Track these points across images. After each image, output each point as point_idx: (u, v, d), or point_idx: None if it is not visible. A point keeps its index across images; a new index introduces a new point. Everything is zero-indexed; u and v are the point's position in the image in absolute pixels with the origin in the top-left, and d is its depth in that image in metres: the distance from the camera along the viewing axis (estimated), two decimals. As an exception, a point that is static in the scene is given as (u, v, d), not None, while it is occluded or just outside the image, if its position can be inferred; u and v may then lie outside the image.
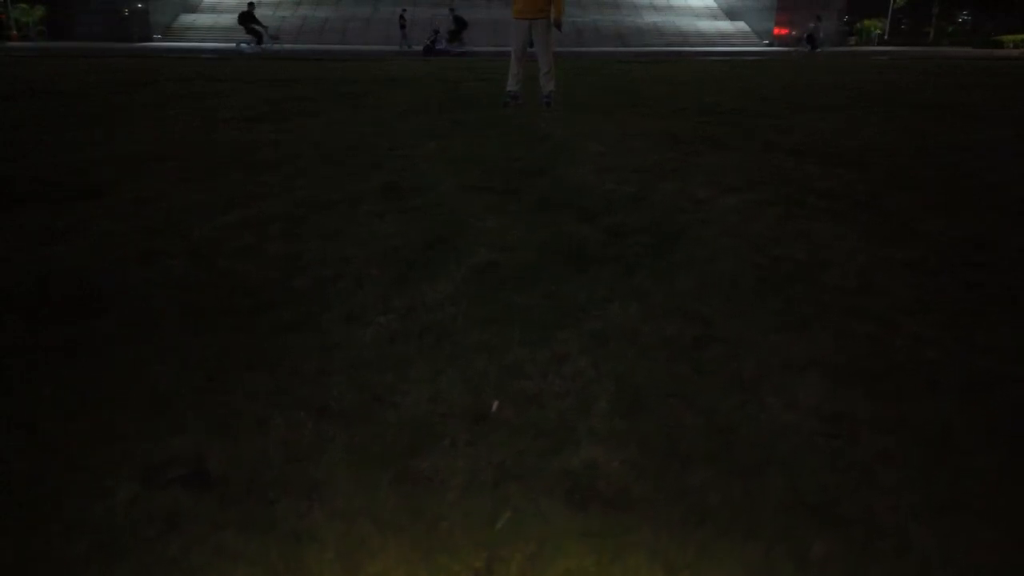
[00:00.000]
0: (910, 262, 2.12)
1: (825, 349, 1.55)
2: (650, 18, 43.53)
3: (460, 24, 28.57)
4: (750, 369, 1.46)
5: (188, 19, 39.06)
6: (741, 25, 42.17)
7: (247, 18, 25.64)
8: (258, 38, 25.13)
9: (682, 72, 13.15)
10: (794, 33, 39.21)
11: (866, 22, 40.14)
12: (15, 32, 35.08)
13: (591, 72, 12.60)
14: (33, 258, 2.18)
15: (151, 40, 36.14)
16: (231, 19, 38.46)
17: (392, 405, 1.33)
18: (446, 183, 3.28)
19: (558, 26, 6.55)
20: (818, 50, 29.07)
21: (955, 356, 1.53)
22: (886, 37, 40.05)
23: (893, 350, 1.55)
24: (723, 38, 40.69)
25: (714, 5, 46.44)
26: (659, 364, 1.50)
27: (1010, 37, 33.17)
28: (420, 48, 27.37)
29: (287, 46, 28.07)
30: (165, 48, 27.30)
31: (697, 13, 45.10)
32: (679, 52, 29.42)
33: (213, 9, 41.55)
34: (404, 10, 34.31)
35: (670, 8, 45.90)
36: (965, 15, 39.56)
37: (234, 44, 25.87)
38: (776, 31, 39.24)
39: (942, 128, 5.22)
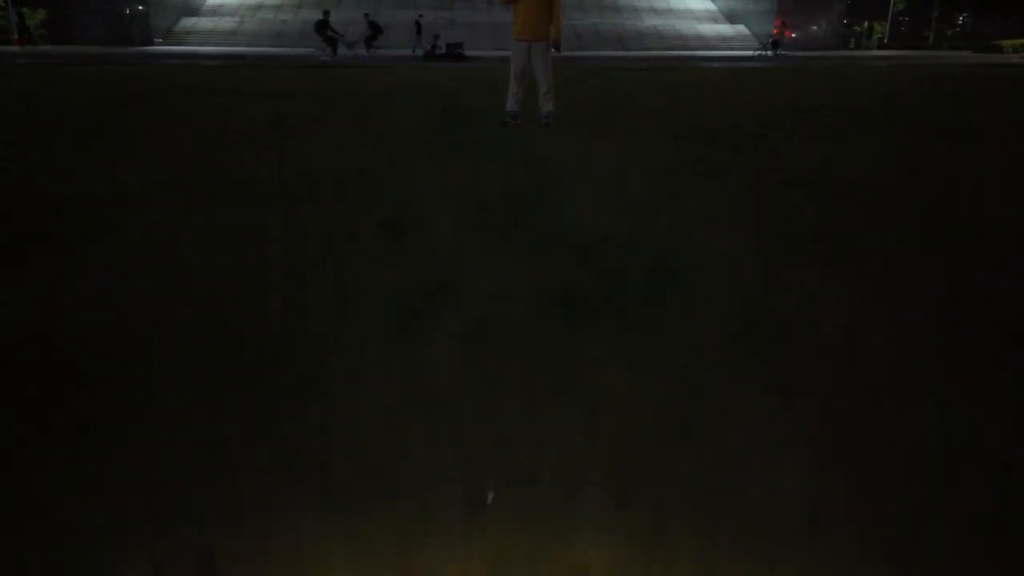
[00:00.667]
0: (895, 319, 2.17)
1: (808, 423, 1.60)
2: (650, 21, 43.58)
3: (375, 29, 28.78)
4: (737, 447, 1.51)
5: (189, 23, 39.10)
6: (741, 28, 42.21)
7: (322, 26, 25.07)
8: (333, 46, 24.58)
9: (681, 82, 13.20)
10: (794, 35, 39.30)
11: (864, 26, 40.17)
12: (16, 36, 35.12)
13: (590, 81, 12.64)
14: (38, 315, 2.23)
15: (152, 44, 36.21)
16: (231, 23, 38.55)
17: (392, 490, 1.38)
18: (445, 219, 3.33)
19: (556, 48, 6.61)
20: (780, 53, 29.83)
21: (933, 432, 1.58)
22: (886, 40, 40.09)
23: (873, 428, 1.60)
24: (723, 41, 40.73)
25: (714, 8, 46.50)
26: (649, 439, 1.55)
27: (1009, 42, 33.24)
28: (421, 53, 27.48)
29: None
30: (165, 53, 27.31)
31: (697, 16, 45.15)
32: (679, 57, 29.47)
33: (214, 13, 41.62)
34: (420, 15, 34.63)
35: (670, 11, 45.95)
36: (965, 16, 39.57)
37: (312, 51, 25.21)
38: (775, 33, 39.30)
39: (937, 155, 5.26)
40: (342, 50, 25.43)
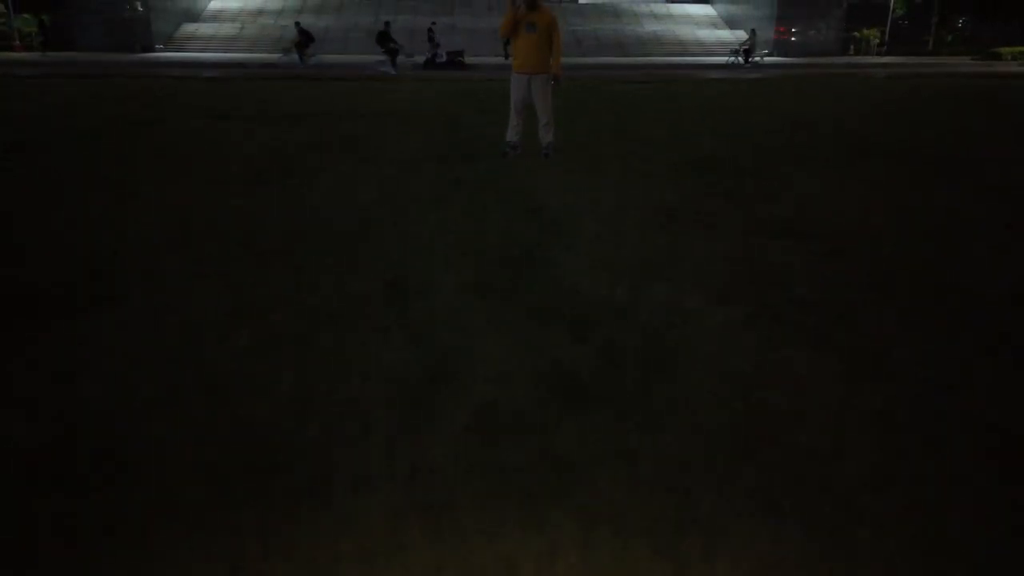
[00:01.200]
0: (879, 412, 2.26)
1: (796, 540, 1.70)
2: (650, 27, 43.67)
3: (306, 37, 28.92)
4: (723, 568, 1.61)
5: (190, 28, 39.21)
6: (741, 34, 42.23)
7: (384, 38, 25.06)
8: (393, 57, 24.35)
9: (679, 100, 13.26)
10: (796, 38, 39.30)
11: (864, 31, 40.25)
12: (18, 43, 35.23)
13: (589, 101, 12.70)
14: (48, 407, 2.32)
15: (153, 50, 36.30)
16: (232, 29, 38.67)
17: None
18: (446, 281, 3.43)
19: (557, 80, 6.70)
20: (753, 60, 29.98)
21: (914, 549, 1.68)
22: (885, 47, 40.16)
23: (854, 544, 1.70)
24: (723, 47, 40.73)
25: (714, 13, 46.60)
26: (643, 556, 1.65)
27: (1008, 49, 33.29)
28: (425, 61, 27.56)
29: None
30: (167, 61, 27.34)
31: (697, 22, 45.24)
32: (678, 65, 29.57)
33: (215, 18, 41.74)
34: (433, 23, 34.95)
35: (670, 16, 46.05)
36: (964, 20, 39.55)
37: (376, 62, 25.18)
38: (775, 37, 39.42)
39: (933, 197, 5.36)
40: (400, 59, 25.32)
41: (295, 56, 26.70)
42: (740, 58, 30.46)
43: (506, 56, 29.52)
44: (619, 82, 18.62)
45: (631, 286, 3.36)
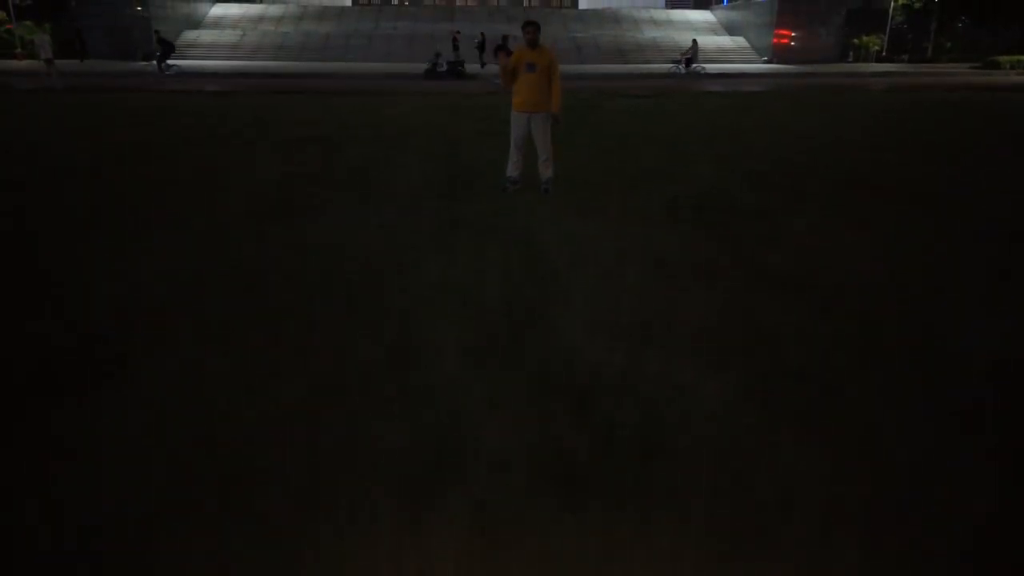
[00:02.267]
0: (865, 503, 2.36)
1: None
2: (650, 33, 43.78)
3: (166, 47, 29.47)
4: None
5: (192, 35, 39.36)
6: (740, 41, 42.42)
7: (482, 49, 26.52)
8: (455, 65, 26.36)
9: (679, 117, 13.36)
10: (793, 44, 39.46)
11: (864, 38, 40.34)
12: (21, 51, 35.34)
13: (587, 120, 12.81)
14: (55, 510, 2.41)
15: (155, 58, 36.35)
16: (233, 36, 38.82)
17: None
18: (448, 345, 3.52)
19: (557, 121, 6.80)
20: (693, 67, 30.90)
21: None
22: (884, 54, 40.27)
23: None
24: (722, 54, 40.89)
25: (714, 20, 46.73)
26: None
27: (1007, 58, 33.42)
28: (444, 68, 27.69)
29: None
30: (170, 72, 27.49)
31: (696, 28, 45.37)
32: (675, 75, 29.70)
33: (216, 24, 41.90)
34: (458, 32, 35.26)
35: (669, 23, 46.16)
36: (964, 19, 39.53)
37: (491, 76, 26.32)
38: (775, 43, 39.49)
39: (934, 242, 5.44)
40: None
41: (444, 66, 27.44)
42: (681, 67, 30.72)
43: (482, 64, 29.71)
44: (620, 95, 18.74)
45: (629, 352, 3.45)
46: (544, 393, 3.08)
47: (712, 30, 44.63)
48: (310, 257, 4.89)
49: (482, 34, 33.80)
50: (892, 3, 40.08)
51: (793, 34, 39.45)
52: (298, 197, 6.71)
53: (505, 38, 27.69)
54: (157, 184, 7.31)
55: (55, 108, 15.30)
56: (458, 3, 55.58)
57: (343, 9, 46.26)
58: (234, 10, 43.62)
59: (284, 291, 4.26)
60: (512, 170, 7.08)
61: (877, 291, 4.32)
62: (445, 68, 27.52)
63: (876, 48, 40.28)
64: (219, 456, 2.62)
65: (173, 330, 3.71)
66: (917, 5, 38.85)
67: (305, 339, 3.61)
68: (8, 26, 34.72)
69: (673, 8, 50.39)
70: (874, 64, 39.53)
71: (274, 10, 44.56)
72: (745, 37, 42.47)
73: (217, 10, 43.25)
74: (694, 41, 34.03)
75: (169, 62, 29.99)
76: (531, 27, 6.61)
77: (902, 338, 3.66)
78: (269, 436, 2.75)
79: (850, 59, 40.56)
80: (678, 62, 32.54)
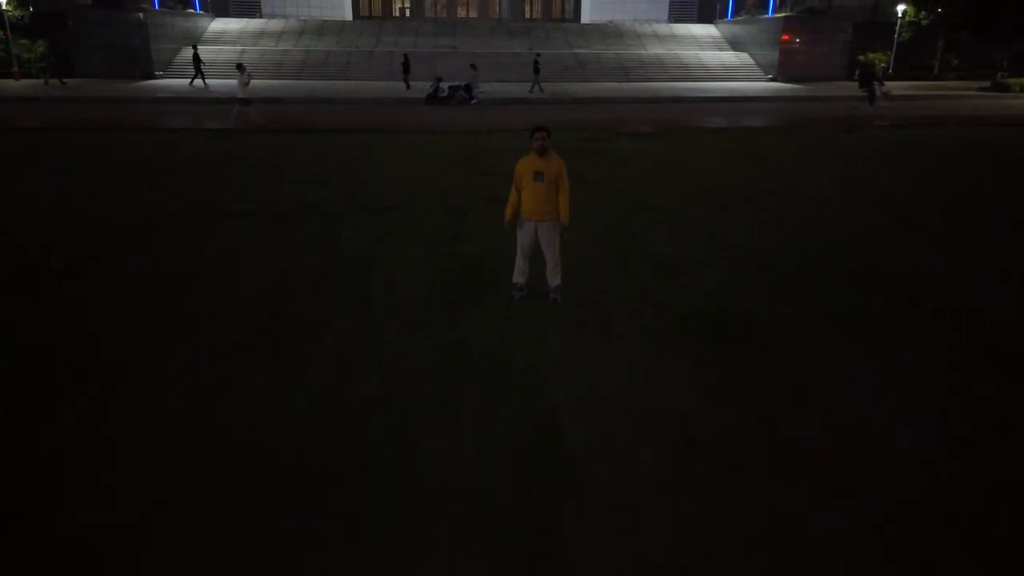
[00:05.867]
0: None
1: None
2: (653, 49, 43.45)
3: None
4: None
5: (189, 53, 38.83)
6: (745, 57, 42.06)
7: (866, 78, 26.40)
8: (871, 94, 25.73)
9: (685, 173, 12.94)
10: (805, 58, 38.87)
11: (870, 55, 39.92)
12: (17, 69, 35.02)
13: (595, 170, 12.38)
14: None
15: (153, 76, 36.10)
16: (232, 53, 38.40)
17: None
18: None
19: (565, 231, 6.42)
20: (474, 101, 27.14)
21: None
22: (891, 71, 39.83)
23: None
24: (727, 70, 40.56)
25: (717, 34, 46.41)
26: None
27: (1017, 80, 32.93)
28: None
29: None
30: (168, 96, 26.68)
31: (700, 43, 45.07)
32: (683, 99, 29.25)
33: (215, 40, 41.58)
34: (539, 54, 34.11)
35: (673, 37, 45.85)
36: (966, 33, 38.92)
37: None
38: (781, 59, 39.01)
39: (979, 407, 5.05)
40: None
41: (446, 91, 26.88)
42: (464, 96, 27.15)
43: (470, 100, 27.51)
44: (624, 136, 18.31)
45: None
46: None
47: (716, 45, 44.23)
48: (291, 433, 4.45)
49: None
50: (899, 19, 39.66)
51: (797, 52, 39.01)
52: (289, 310, 6.32)
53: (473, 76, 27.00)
54: (137, 296, 6.92)
55: (42, 157, 14.93)
56: (459, 16, 55.25)
57: (344, 24, 45.89)
58: (234, 25, 43.27)
59: (275, 487, 3.87)
60: (518, 276, 6.70)
61: (908, 479, 3.92)
62: (447, 93, 27.14)
63: (883, 65, 39.82)
64: None
65: (174, 524, 3.32)
66: (925, 22, 38.38)
67: (302, 555, 3.23)
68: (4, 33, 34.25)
69: (676, 22, 50.00)
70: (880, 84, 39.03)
71: (274, 25, 44.22)
72: (749, 53, 42.08)
73: (217, 25, 42.91)
74: (535, 60, 30.82)
75: (197, 82, 30.97)
76: (541, 133, 6.22)
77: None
78: None
79: (856, 77, 40.05)
80: (869, 87, 26.02)
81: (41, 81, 32.44)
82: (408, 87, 31.51)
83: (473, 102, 26.73)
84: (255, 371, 5.20)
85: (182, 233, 8.80)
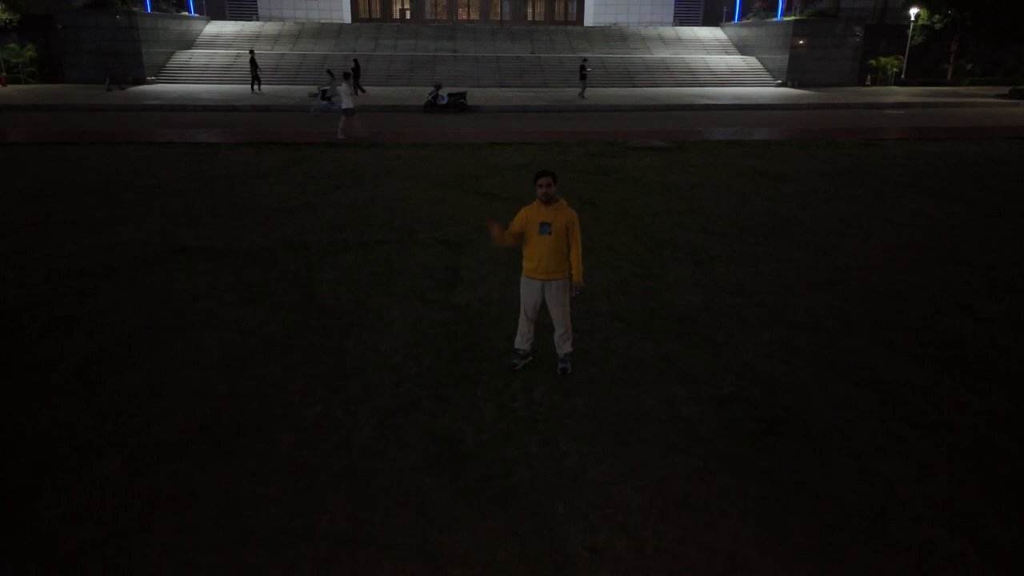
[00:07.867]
0: None
1: None
2: (658, 53, 42.46)
3: (255, 68, 30.09)
4: None
5: (183, 57, 38.02)
6: (753, 61, 41.02)
7: None
8: None
9: (700, 198, 11.84)
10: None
11: (882, 59, 38.82)
12: (4, 75, 34.07)
13: (602, 195, 11.29)
14: None
15: (144, 82, 35.12)
16: (226, 57, 37.40)
17: None
18: None
19: (578, 291, 5.38)
20: (334, 106, 24.48)
21: None
22: (903, 76, 38.75)
23: None
24: (735, 75, 39.51)
25: (724, 38, 45.40)
26: None
27: (1036, 88, 31.85)
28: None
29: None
30: (158, 103, 25.51)
31: (707, 47, 44.07)
32: (691, 106, 28.19)
33: (210, 44, 40.65)
34: (585, 59, 33.76)
35: (678, 40, 44.86)
36: (977, 42, 37.87)
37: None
38: (791, 63, 37.89)
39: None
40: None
41: (445, 99, 26.22)
42: (320, 103, 25.45)
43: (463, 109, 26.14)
44: (635, 151, 17.21)
45: None
46: None
47: (723, 49, 43.17)
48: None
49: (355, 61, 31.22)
50: (912, 23, 38.54)
51: (809, 53, 37.92)
52: (243, 396, 5.27)
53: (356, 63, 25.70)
54: (57, 377, 5.88)
55: (8, 185, 13.92)
56: (460, 18, 54.26)
57: (342, 27, 44.87)
58: (229, 28, 42.31)
59: None
60: (521, 342, 5.67)
61: None
62: (446, 101, 26.13)
63: (895, 70, 38.73)
64: None
65: None
66: (939, 26, 37.23)
67: None
68: None
69: (681, 25, 48.94)
70: (893, 87, 38.00)
71: (271, 27, 43.24)
72: (757, 57, 41.01)
73: (212, 28, 41.95)
74: (329, 71, 27.59)
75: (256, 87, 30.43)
76: (545, 179, 5.20)
77: None
78: None
79: (867, 83, 39.01)
80: (315, 96, 25.74)
81: (103, 87, 31.40)
82: (360, 92, 29.55)
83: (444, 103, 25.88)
84: (193, 484, 4.15)
85: (140, 278, 7.75)
